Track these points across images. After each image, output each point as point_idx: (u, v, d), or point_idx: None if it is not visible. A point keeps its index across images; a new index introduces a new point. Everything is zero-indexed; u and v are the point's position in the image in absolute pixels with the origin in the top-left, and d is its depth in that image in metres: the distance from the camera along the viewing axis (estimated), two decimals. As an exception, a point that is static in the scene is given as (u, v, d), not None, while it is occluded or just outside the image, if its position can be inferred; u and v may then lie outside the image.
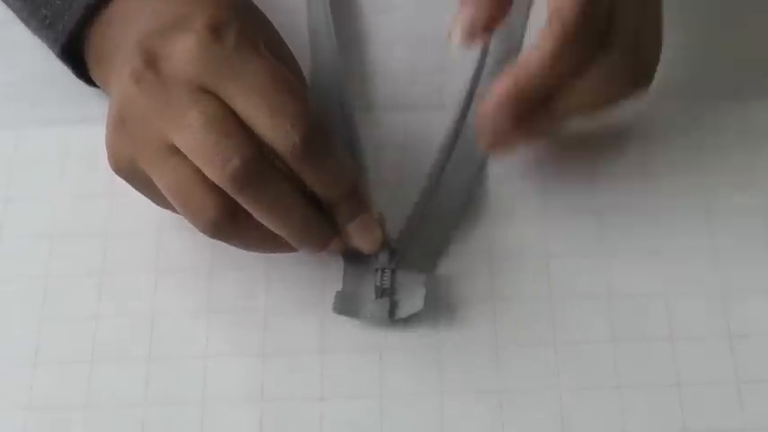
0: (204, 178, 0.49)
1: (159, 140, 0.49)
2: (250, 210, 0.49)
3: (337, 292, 0.53)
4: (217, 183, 0.48)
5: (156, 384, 0.54)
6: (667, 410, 0.52)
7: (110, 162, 0.52)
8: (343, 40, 0.61)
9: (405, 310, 0.53)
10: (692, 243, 0.56)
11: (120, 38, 0.53)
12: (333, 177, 0.51)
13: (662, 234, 0.57)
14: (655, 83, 0.55)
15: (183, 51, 0.49)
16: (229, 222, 0.50)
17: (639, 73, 0.53)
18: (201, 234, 0.52)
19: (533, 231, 0.57)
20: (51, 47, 0.58)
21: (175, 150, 0.49)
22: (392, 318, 0.53)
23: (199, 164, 0.48)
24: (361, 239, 0.53)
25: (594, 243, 0.57)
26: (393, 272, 0.54)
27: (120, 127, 0.51)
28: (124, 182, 0.53)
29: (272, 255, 0.54)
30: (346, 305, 0.53)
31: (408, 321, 0.55)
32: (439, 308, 0.55)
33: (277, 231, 0.51)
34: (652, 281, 0.55)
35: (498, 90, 0.51)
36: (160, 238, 0.57)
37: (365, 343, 0.54)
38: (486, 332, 0.55)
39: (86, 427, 0.53)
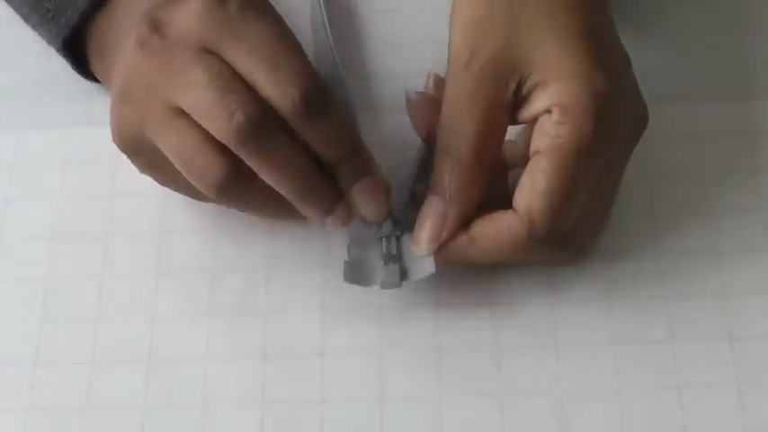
0: (209, 138, 0.49)
1: (164, 103, 0.49)
2: (254, 167, 0.49)
3: (345, 262, 0.53)
4: (221, 139, 0.48)
5: (156, 386, 0.54)
6: (668, 413, 0.52)
7: (114, 138, 0.52)
8: (343, 41, 0.61)
9: (416, 274, 0.53)
10: (692, 243, 0.56)
11: (122, 28, 0.54)
12: (333, 136, 0.50)
13: (662, 235, 0.57)
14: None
15: (188, 15, 0.49)
16: (233, 182, 0.49)
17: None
18: (203, 237, 0.52)
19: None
20: (52, 41, 0.59)
21: (180, 113, 0.49)
22: (404, 281, 0.53)
23: (203, 121, 0.49)
24: (365, 203, 0.52)
25: (594, 248, 0.56)
26: (398, 239, 0.53)
27: (125, 97, 0.51)
28: (125, 184, 0.54)
29: (273, 256, 0.55)
30: (356, 274, 0.53)
31: (408, 324, 0.55)
32: (439, 311, 0.55)
33: (281, 191, 0.50)
34: (653, 284, 0.55)
35: (443, 238, 0.52)
36: (161, 241, 0.57)
37: (365, 345, 0.55)
38: (486, 335, 0.55)
39: (86, 430, 0.53)
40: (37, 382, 0.55)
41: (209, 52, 0.49)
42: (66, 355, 0.55)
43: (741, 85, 0.61)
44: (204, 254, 0.57)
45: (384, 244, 0.53)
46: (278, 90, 0.48)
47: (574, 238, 0.53)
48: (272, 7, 0.51)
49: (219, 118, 0.48)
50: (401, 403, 0.53)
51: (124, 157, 0.53)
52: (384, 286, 0.53)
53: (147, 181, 0.54)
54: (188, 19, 0.49)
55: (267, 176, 0.50)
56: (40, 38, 0.62)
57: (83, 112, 0.61)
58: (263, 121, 0.48)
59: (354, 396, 0.53)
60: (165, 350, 0.55)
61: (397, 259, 0.53)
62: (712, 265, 0.56)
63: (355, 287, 0.54)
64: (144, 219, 0.57)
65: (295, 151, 0.50)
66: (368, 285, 0.53)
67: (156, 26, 0.50)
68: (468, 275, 0.56)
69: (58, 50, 0.59)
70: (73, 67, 0.59)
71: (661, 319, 0.54)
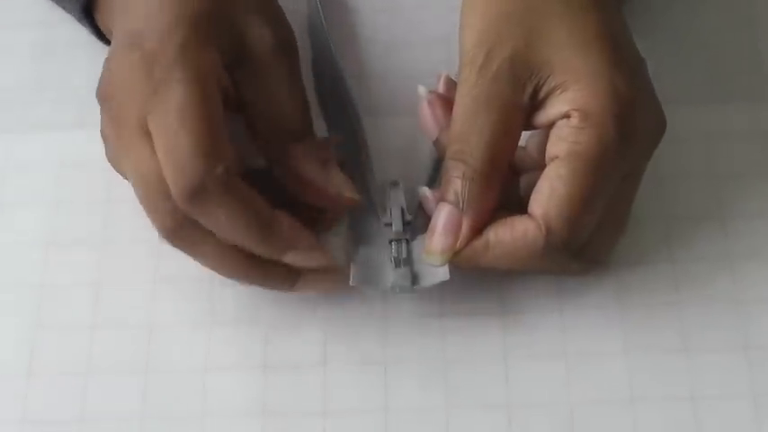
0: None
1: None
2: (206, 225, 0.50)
3: (353, 264, 0.52)
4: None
5: (153, 398, 0.54)
6: (681, 425, 0.52)
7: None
8: (342, 41, 0.61)
9: (428, 279, 0.52)
10: (705, 249, 0.56)
11: None
12: (232, 223, 0.50)
13: (676, 240, 0.56)
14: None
15: (127, 83, 0.50)
16: (180, 234, 0.50)
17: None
18: None
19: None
20: (73, 11, 0.59)
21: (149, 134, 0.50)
22: (415, 286, 0.52)
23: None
24: (314, 283, 0.53)
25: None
26: (408, 242, 0.53)
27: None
28: (121, 189, 0.54)
29: None
30: (365, 276, 0.53)
31: (413, 333, 0.55)
32: (445, 320, 0.55)
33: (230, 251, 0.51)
34: (665, 290, 0.55)
35: (456, 245, 0.51)
36: (158, 247, 0.56)
37: (369, 356, 0.54)
38: (494, 344, 0.54)
39: (82, 442, 0.53)
40: (31, 393, 0.54)
41: (143, 131, 0.50)
42: (61, 365, 0.55)
43: (754, 86, 0.60)
44: None
45: (394, 247, 0.53)
46: (169, 179, 0.49)
47: (590, 249, 0.52)
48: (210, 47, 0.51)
49: (150, 217, 0.50)
50: (406, 415, 0.53)
51: None
52: (395, 290, 0.52)
53: None
54: (127, 89, 0.50)
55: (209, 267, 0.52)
56: (33, 39, 0.62)
57: (76, 115, 0.61)
58: (180, 229, 0.49)
59: (358, 408, 0.53)
60: (162, 360, 0.55)
61: (407, 263, 0.53)
62: (726, 271, 0.56)
63: (352, 298, 0.54)
64: (140, 224, 0.55)
65: (226, 249, 0.50)
66: (377, 288, 0.53)
67: (103, 94, 0.51)
68: (475, 283, 0.55)
69: (79, 20, 0.59)
70: (97, 37, 0.59)
71: (674, 327, 0.54)
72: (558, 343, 0.54)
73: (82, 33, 0.62)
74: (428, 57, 0.61)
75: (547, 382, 0.53)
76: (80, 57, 0.63)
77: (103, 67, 0.52)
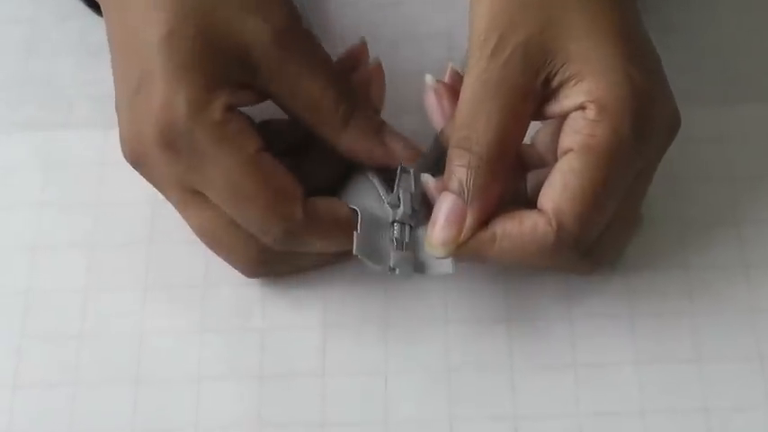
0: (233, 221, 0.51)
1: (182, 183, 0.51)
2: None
3: (357, 234, 0.51)
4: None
5: (144, 409, 0.53)
6: (694, 437, 0.52)
7: (125, 149, 0.52)
8: (343, 37, 0.61)
9: (431, 270, 0.51)
10: (721, 255, 0.56)
11: None
12: (327, 241, 0.52)
13: (690, 245, 0.56)
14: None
15: (155, 159, 0.51)
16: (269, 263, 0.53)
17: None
18: (194, 248, 0.52)
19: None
20: None
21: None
22: (417, 272, 0.52)
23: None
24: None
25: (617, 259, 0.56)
26: (411, 228, 0.52)
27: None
28: (111, 190, 0.55)
29: None
30: (368, 250, 0.51)
31: (415, 342, 0.54)
32: (449, 327, 0.54)
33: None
34: (678, 298, 0.55)
35: (461, 238, 0.50)
36: (149, 251, 0.56)
37: (369, 365, 0.54)
38: (500, 354, 0.54)
39: (70, 456, 0.53)
40: (17, 404, 0.53)
41: (191, 191, 0.51)
42: (48, 375, 0.54)
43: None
44: (196, 266, 0.56)
45: (397, 228, 0.52)
46: (257, 233, 0.51)
47: (600, 247, 0.51)
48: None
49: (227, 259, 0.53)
50: (408, 428, 0.52)
51: (110, 161, 0.53)
52: (395, 272, 0.51)
53: (135, 187, 0.53)
54: (157, 164, 0.50)
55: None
56: (18, 37, 0.62)
57: (64, 114, 0.60)
58: (270, 262, 0.53)
59: (357, 420, 0.52)
60: (154, 369, 0.54)
61: (410, 246, 0.52)
62: (741, 279, 0.55)
63: (352, 304, 0.53)
64: (131, 228, 0.56)
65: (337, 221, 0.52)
66: (379, 264, 0.51)
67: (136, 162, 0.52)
68: (481, 289, 0.55)
69: None
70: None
71: (687, 336, 0.54)
72: (566, 352, 0.53)
73: (68, 30, 0.61)
74: (431, 52, 0.61)
75: (555, 392, 0.53)
76: (67, 54, 0.62)
77: (116, 111, 0.52)
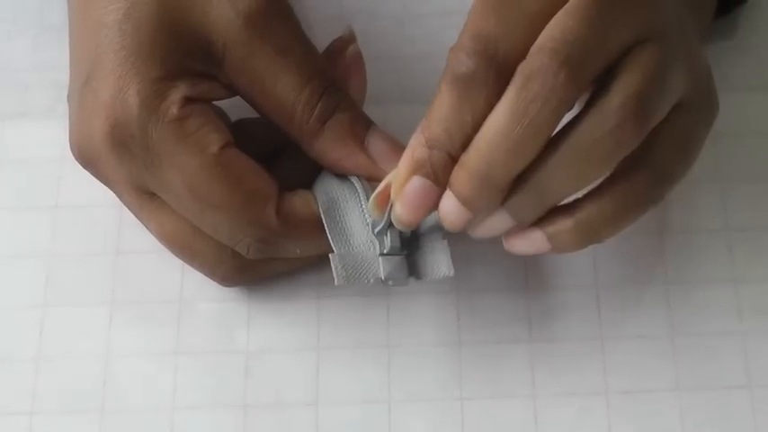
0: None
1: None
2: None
3: (333, 256, 0.50)
4: None
5: None
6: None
7: (74, 151, 0.51)
8: (344, 17, 0.60)
9: (428, 273, 0.50)
10: None
11: None
12: (308, 238, 0.51)
13: (737, 255, 0.55)
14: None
15: (106, 166, 0.50)
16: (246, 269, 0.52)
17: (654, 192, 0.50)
18: (168, 258, 0.52)
19: (580, 257, 0.54)
20: None
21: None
22: (414, 278, 0.50)
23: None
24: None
25: (653, 268, 0.54)
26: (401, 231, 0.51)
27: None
28: (72, 191, 0.54)
29: (256, 282, 0.53)
30: (352, 270, 0.50)
31: (423, 366, 0.52)
32: (463, 351, 0.53)
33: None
34: (725, 315, 0.53)
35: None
36: (117, 262, 0.55)
37: (369, 394, 0.52)
38: (521, 380, 0.52)
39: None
40: None
41: (148, 193, 0.50)
42: (1, 403, 0.53)
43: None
44: (170, 278, 0.55)
45: (387, 237, 0.50)
46: (227, 243, 0.50)
47: (653, 157, 0.48)
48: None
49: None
50: None
51: (71, 157, 0.51)
52: (388, 282, 0.50)
53: (99, 188, 0.52)
54: (108, 165, 0.50)
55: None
56: None
57: (18, 102, 0.59)
58: (243, 265, 0.52)
59: None
60: (122, 398, 0.53)
61: (398, 251, 0.50)
62: None
63: (350, 323, 0.53)
64: (95, 235, 0.55)
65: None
66: (367, 282, 0.50)
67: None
68: (499, 304, 0.54)
69: None
70: None
71: (736, 359, 0.52)
72: (597, 377, 0.52)
73: (23, 13, 0.61)
74: (439, 33, 0.60)
75: (583, 423, 0.52)
76: (23, 32, 0.61)
77: (68, 103, 0.51)
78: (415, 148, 0.46)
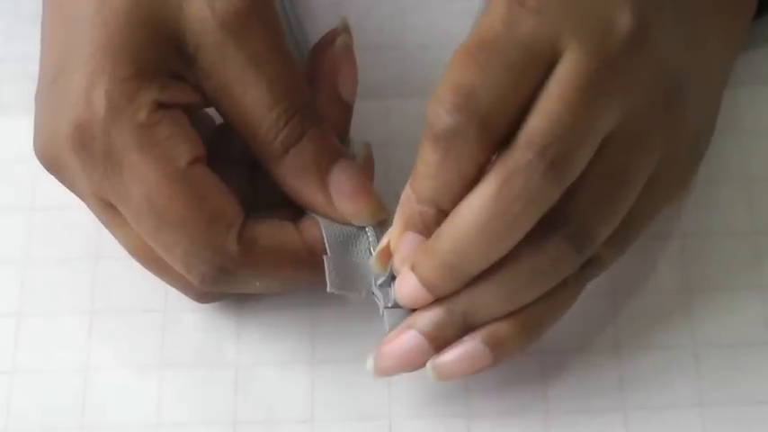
0: None
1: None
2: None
3: (327, 258, 0.49)
4: None
5: None
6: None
7: (37, 153, 0.50)
8: (343, 4, 0.59)
9: None
10: None
11: None
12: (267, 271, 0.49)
13: (764, 264, 0.53)
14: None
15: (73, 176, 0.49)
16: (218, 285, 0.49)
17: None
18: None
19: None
20: None
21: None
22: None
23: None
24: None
25: (674, 274, 0.53)
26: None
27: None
28: (48, 193, 0.53)
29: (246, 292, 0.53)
30: (346, 278, 0.49)
31: (425, 381, 0.49)
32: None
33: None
34: (751, 325, 0.52)
35: None
36: (96, 269, 0.54)
37: (368, 410, 0.51)
38: (533, 395, 0.51)
39: None
40: None
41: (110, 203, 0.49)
42: None
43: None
44: (154, 286, 0.54)
45: (392, 289, 0.49)
46: (180, 268, 0.48)
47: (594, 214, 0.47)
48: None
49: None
50: None
51: None
52: (381, 300, 0.50)
53: None
54: (72, 170, 0.48)
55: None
56: None
57: None
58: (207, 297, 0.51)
59: None
60: (102, 413, 0.52)
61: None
62: None
63: (345, 357, 0.51)
64: (73, 239, 0.54)
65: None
66: (359, 293, 0.50)
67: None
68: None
69: None
70: None
71: (764, 373, 0.51)
72: (614, 392, 0.51)
73: None
74: (446, 21, 0.59)
75: None
76: None
77: (35, 103, 0.50)
78: (406, 204, 0.46)
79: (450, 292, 0.47)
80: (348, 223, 0.50)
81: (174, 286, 0.51)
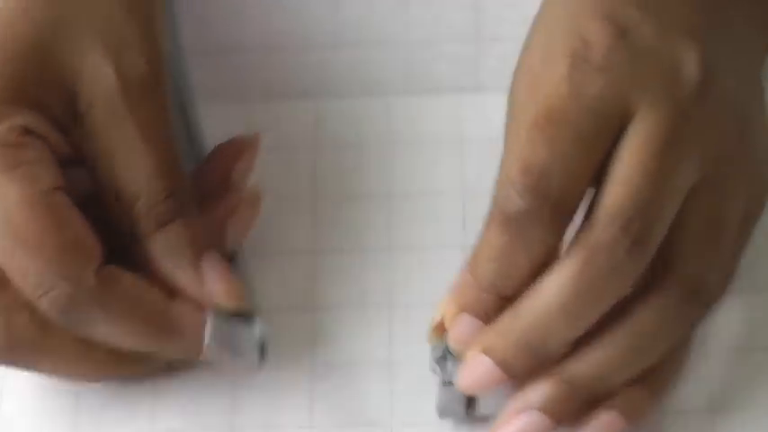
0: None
1: None
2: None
3: (210, 314, 0.48)
4: None
5: None
6: None
7: None
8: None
9: (488, 404, 0.48)
10: None
11: None
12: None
13: None
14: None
15: None
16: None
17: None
18: None
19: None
20: None
21: None
22: (471, 412, 0.49)
23: None
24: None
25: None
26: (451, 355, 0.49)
27: None
28: None
29: None
30: (221, 339, 0.49)
31: (430, 389, 0.49)
32: None
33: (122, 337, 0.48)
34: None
35: None
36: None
37: (370, 417, 0.50)
38: None
39: None
40: None
41: None
42: None
43: None
44: None
45: (448, 364, 0.48)
46: (30, 290, 0.46)
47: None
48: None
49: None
50: None
51: None
52: (442, 414, 0.49)
53: None
54: None
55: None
56: None
57: None
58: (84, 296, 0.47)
59: None
60: (91, 426, 0.50)
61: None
62: None
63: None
64: None
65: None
66: (240, 357, 0.49)
67: None
68: None
69: None
70: None
71: None
72: None
73: None
74: (453, 14, 0.58)
75: None
76: None
77: None
78: (464, 287, 0.46)
79: (526, 372, 0.46)
80: (218, 306, 0.48)
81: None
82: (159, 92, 0.50)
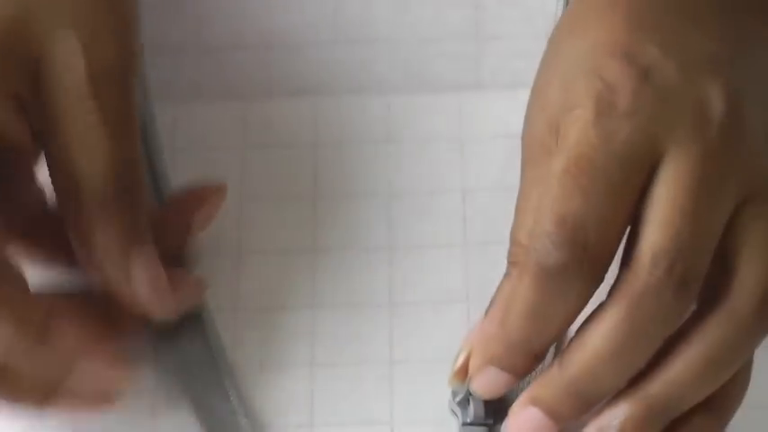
0: None
1: None
2: None
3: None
4: None
5: None
6: None
7: None
8: None
9: None
10: None
11: None
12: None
13: None
14: None
15: None
16: None
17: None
18: None
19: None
20: None
21: None
22: None
23: None
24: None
25: None
26: (491, 428, 0.49)
27: None
28: None
29: None
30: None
31: (429, 387, 0.49)
32: None
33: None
34: None
35: None
36: None
37: (369, 415, 0.50)
38: None
39: None
40: None
41: None
42: None
43: None
44: None
45: (471, 406, 0.48)
46: None
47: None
48: None
49: None
50: None
51: None
52: None
53: None
54: None
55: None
56: None
57: None
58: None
59: None
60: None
61: (485, 419, 0.48)
62: None
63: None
64: None
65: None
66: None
67: None
68: None
69: None
70: None
71: None
72: None
73: None
74: (453, 13, 0.58)
75: None
76: None
77: None
78: (492, 342, 0.45)
79: (576, 418, 0.45)
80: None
81: None
82: (127, 85, 0.49)
